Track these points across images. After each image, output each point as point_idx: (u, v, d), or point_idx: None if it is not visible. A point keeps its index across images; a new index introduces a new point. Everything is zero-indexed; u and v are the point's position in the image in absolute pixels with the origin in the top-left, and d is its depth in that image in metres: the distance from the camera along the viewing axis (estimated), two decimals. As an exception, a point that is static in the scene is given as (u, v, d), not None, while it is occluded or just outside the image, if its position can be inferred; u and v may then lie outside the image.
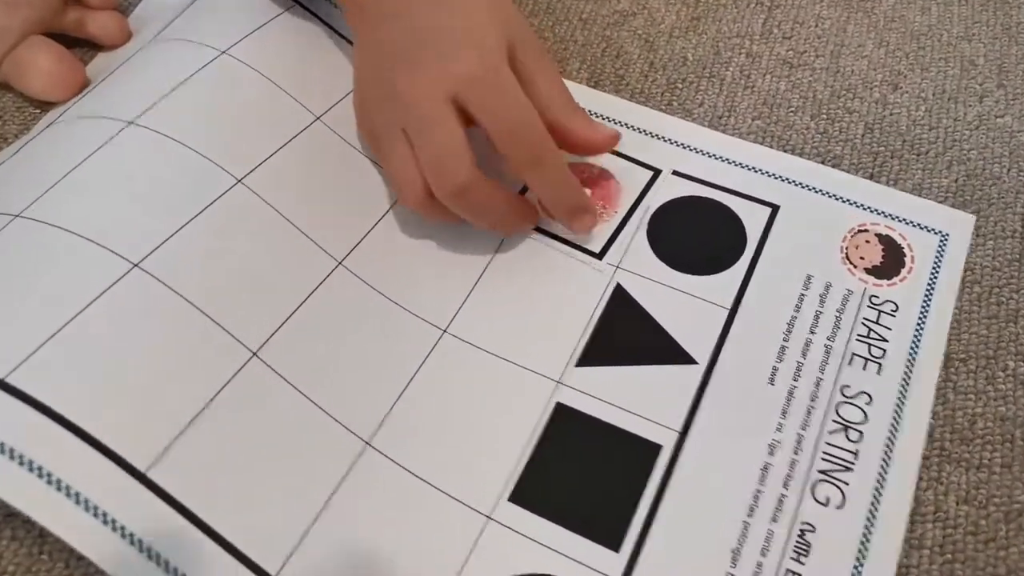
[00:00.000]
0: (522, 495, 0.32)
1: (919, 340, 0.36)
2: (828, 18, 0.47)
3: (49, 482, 0.28)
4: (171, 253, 0.33)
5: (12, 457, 0.28)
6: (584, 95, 0.43)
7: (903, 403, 0.34)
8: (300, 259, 0.36)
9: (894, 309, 0.37)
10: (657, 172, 0.41)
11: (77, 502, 0.28)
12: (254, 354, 0.33)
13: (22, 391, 0.29)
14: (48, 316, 0.30)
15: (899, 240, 0.39)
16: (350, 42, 0.43)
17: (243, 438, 0.31)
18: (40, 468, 0.28)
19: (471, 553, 0.31)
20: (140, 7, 0.47)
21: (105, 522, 0.28)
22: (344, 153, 0.40)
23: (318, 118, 0.40)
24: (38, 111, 0.42)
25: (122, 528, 0.28)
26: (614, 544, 0.31)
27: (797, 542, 0.31)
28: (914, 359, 0.35)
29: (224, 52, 0.39)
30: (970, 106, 0.43)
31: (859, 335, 0.36)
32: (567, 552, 0.31)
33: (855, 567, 0.31)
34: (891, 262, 0.38)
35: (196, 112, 0.37)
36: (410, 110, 0.34)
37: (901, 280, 0.38)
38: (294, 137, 0.38)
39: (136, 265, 0.32)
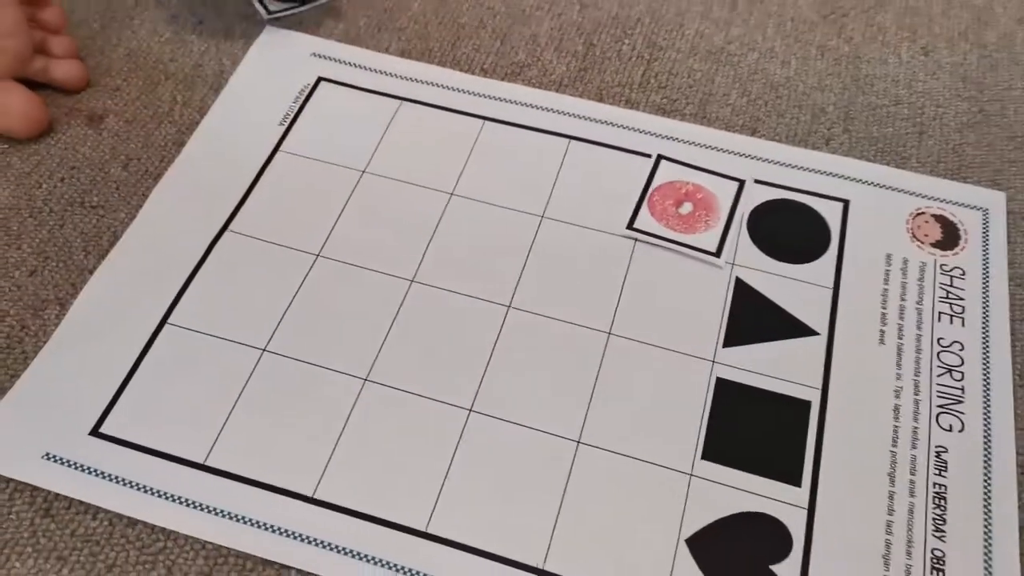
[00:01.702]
0: (712, 452, 0.39)
1: (988, 294, 0.44)
2: (699, 70, 0.54)
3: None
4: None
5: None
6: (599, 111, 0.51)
7: (988, 345, 0.42)
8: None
9: (962, 273, 0.45)
10: (741, 181, 0.49)
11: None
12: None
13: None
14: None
15: (951, 218, 0.47)
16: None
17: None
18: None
19: (685, 504, 0.37)
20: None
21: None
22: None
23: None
24: (7, 146, 0.48)
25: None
26: (795, 480, 0.38)
27: (935, 461, 0.39)
28: (988, 309, 0.44)
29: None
30: (817, 147, 0.51)
31: (940, 297, 0.44)
32: (759, 492, 0.38)
33: (984, 473, 0.38)
34: (949, 236, 0.47)
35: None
36: None
37: (961, 249, 0.46)
38: None
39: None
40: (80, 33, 0.53)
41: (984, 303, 0.44)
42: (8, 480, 0.37)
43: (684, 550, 0.36)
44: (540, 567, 0.36)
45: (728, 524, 0.37)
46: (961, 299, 0.44)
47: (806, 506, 0.38)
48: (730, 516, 0.37)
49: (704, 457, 0.39)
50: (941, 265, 0.45)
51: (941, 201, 0.48)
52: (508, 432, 0.39)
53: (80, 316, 0.43)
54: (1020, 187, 0.48)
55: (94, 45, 0.53)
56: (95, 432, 0.39)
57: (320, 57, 0.54)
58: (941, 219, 0.47)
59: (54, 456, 0.38)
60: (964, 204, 0.48)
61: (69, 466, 0.38)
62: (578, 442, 0.39)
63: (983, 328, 0.43)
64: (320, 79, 0.53)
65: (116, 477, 0.38)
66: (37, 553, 0.35)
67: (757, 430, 0.40)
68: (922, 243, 0.46)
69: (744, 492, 0.38)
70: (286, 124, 0.51)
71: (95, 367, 0.41)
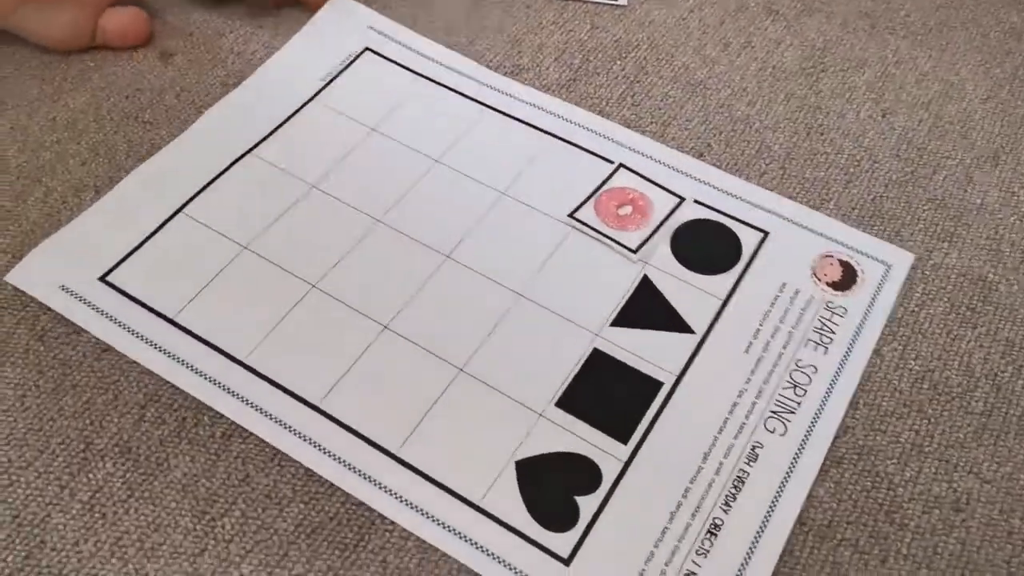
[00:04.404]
0: (564, 402, 0.47)
1: (858, 335, 0.50)
2: (672, 97, 0.61)
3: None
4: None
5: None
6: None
7: (838, 376, 0.48)
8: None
9: (844, 312, 0.51)
10: (682, 199, 0.56)
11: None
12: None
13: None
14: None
15: (855, 265, 0.53)
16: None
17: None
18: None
19: (527, 435, 0.45)
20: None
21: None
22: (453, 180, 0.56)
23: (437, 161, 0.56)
24: (92, 64, 0.59)
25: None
26: (624, 439, 0.46)
27: (748, 453, 0.45)
28: (852, 347, 0.49)
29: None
30: (751, 178, 0.57)
31: (815, 327, 0.50)
32: (590, 440, 0.45)
33: (786, 473, 0.45)
34: (847, 279, 0.52)
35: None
36: None
37: (852, 293, 0.52)
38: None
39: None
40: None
41: (851, 341, 0.50)
42: (24, 307, 0.49)
43: (511, 468, 0.44)
44: (395, 453, 0.45)
45: (554, 457, 0.45)
46: (832, 332, 0.50)
47: (625, 459, 0.45)
48: (558, 452, 0.45)
49: (557, 404, 0.47)
50: (828, 301, 0.51)
51: (851, 249, 0.54)
52: (409, 349, 0.48)
53: (111, 200, 0.54)
54: (926, 248, 0.53)
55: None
56: (102, 279, 0.50)
57: (373, 30, 0.65)
58: (845, 264, 0.53)
59: (67, 288, 0.50)
60: (871, 256, 0.53)
61: (75, 298, 0.49)
62: (460, 369, 0.48)
63: (841, 361, 0.49)
64: (366, 49, 0.63)
65: (106, 314, 0.49)
66: (25, 365, 0.47)
67: (610, 395, 0.47)
68: (819, 280, 0.52)
69: (577, 437, 0.46)
70: (326, 80, 0.61)
71: (114, 234, 0.52)
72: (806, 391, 0.48)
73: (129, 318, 0.49)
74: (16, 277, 0.50)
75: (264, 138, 0.58)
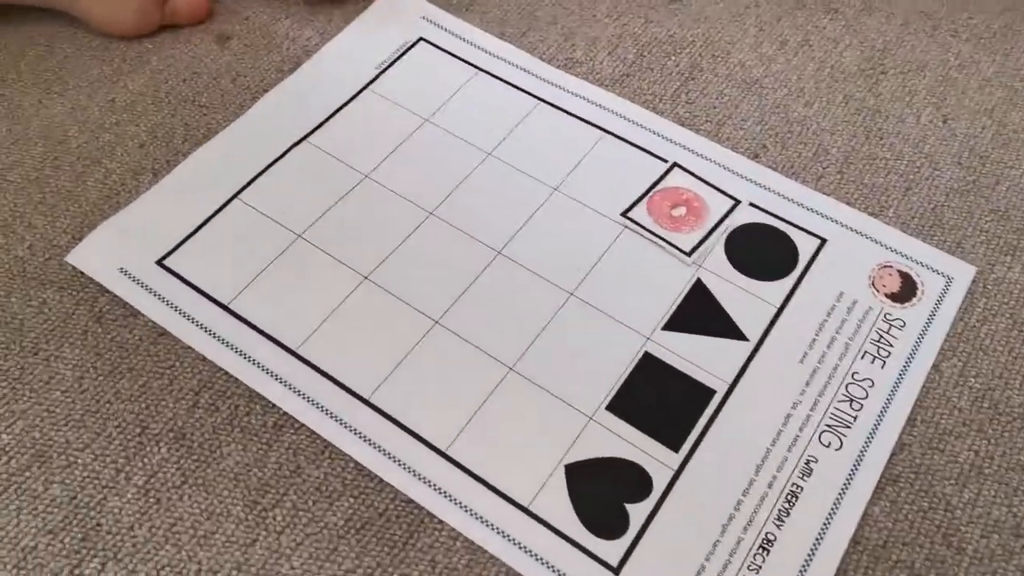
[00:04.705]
0: (615, 406, 0.46)
1: (917, 349, 0.49)
2: (728, 95, 0.60)
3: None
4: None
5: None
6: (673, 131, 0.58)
7: (895, 390, 0.48)
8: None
9: (902, 325, 0.50)
10: (738, 202, 0.55)
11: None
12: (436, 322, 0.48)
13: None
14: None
15: (915, 277, 0.52)
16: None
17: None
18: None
19: (577, 439, 0.45)
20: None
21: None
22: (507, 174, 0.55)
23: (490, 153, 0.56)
24: (151, 46, 0.59)
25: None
26: (676, 446, 0.45)
27: (802, 467, 0.45)
28: (910, 362, 0.49)
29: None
30: (807, 182, 0.56)
31: (872, 339, 0.49)
32: (641, 446, 0.45)
33: (841, 489, 0.44)
34: (906, 291, 0.51)
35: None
36: None
37: (912, 306, 0.51)
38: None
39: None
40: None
41: (910, 356, 0.49)
42: (83, 288, 0.49)
43: (560, 471, 0.44)
44: (444, 451, 0.45)
45: (604, 463, 0.45)
46: (891, 346, 0.49)
47: (676, 468, 0.45)
48: (608, 457, 0.45)
49: (608, 408, 0.46)
50: (886, 313, 0.50)
51: (910, 259, 0.53)
52: (460, 346, 0.48)
53: (169, 184, 0.54)
54: (988, 261, 0.52)
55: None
56: (159, 263, 0.51)
57: (427, 20, 0.64)
58: (904, 275, 0.52)
59: (125, 271, 0.50)
60: (932, 268, 0.52)
61: (133, 281, 0.50)
62: (511, 368, 0.48)
63: (899, 376, 0.48)
64: (420, 39, 0.63)
65: (162, 297, 0.49)
66: (84, 346, 0.47)
67: (661, 400, 0.47)
68: (877, 291, 0.51)
69: (628, 443, 0.45)
70: (380, 69, 0.61)
71: (171, 219, 0.53)
72: (862, 405, 0.47)
73: (184, 303, 0.49)
74: (76, 258, 0.51)
75: (318, 126, 0.58)
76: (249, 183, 0.54)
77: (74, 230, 0.52)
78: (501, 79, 0.61)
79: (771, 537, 0.43)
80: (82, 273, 0.50)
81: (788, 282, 0.52)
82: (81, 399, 0.46)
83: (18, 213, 0.52)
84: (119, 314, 0.49)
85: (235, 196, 0.54)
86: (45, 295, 0.49)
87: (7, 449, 0.44)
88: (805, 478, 0.45)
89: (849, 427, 0.46)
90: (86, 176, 0.54)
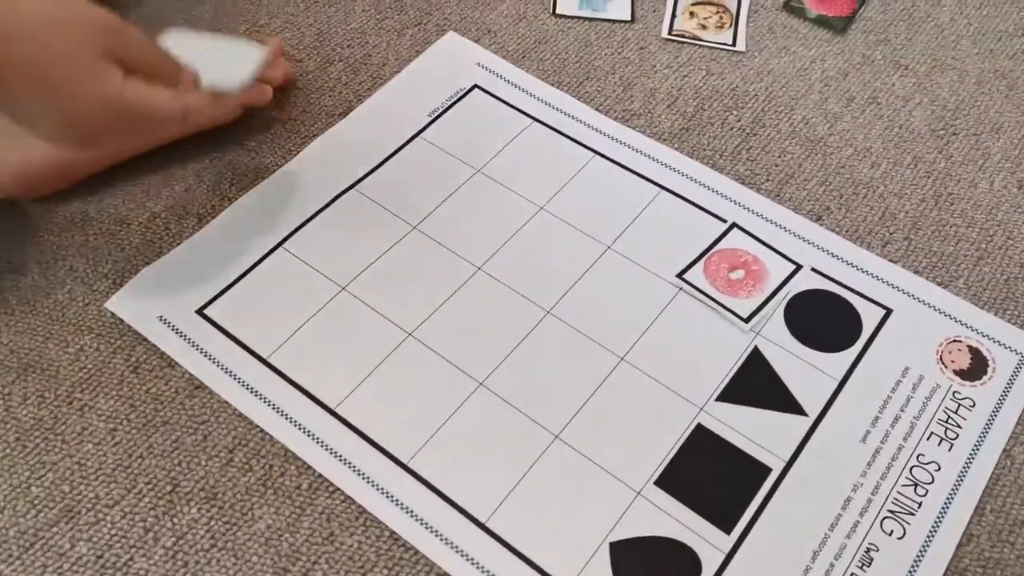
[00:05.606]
0: (665, 482, 0.44)
1: (988, 431, 0.46)
2: (791, 153, 0.57)
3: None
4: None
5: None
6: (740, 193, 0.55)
7: (964, 475, 0.45)
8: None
9: (972, 404, 0.47)
10: (799, 267, 0.53)
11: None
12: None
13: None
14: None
15: (985, 353, 0.49)
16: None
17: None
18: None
19: (623, 514, 0.43)
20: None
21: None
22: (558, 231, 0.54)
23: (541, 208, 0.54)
24: None
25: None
26: (728, 528, 0.43)
27: (862, 556, 0.42)
28: (980, 444, 0.46)
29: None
30: (873, 248, 0.53)
31: (939, 419, 0.47)
32: (691, 526, 0.43)
33: (905, 583, 0.41)
34: (976, 368, 0.49)
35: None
36: None
37: (982, 384, 0.48)
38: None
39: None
40: (287, 11, 0.65)
41: (980, 438, 0.46)
42: (121, 335, 0.49)
43: (604, 549, 0.42)
44: (484, 523, 0.43)
45: (651, 542, 0.42)
46: (959, 427, 0.46)
47: (727, 552, 0.42)
48: (656, 536, 0.42)
49: (657, 483, 0.44)
50: (955, 392, 0.48)
51: (981, 334, 0.50)
52: (504, 411, 0.46)
53: (212, 230, 0.53)
54: (1065, 343, 0.49)
55: (296, 22, 0.65)
56: (200, 311, 0.50)
57: (482, 67, 0.63)
58: (974, 351, 0.49)
59: (164, 319, 0.49)
60: (1003, 343, 0.49)
61: (172, 329, 0.49)
62: (556, 436, 0.45)
63: (968, 459, 0.45)
64: (475, 86, 0.62)
65: (201, 348, 0.48)
66: (119, 397, 0.46)
67: (713, 477, 0.44)
68: (945, 367, 0.49)
69: (677, 522, 0.43)
70: (433, 116, 0.60)
71: (214, 266, 0.52)
72: (927, 490, 0.44)
73: (223, 355, 0.48)
74: (116, 304, 0.50)
75: (368, 173, 0.57)
76: (295, 231, 0.53)
77: (115, 275, 0.51)
78: (556, 130, 0.59)
79: (829, 633, 0.40)
80: (121, 320, 0.49)
81: (851, 354, 0.49)
82: (113, 452, 0.44)
83: (60, 255, 0.52)
84: (156, 364, 0.48)
85: (279, 244, 0.53)
86: (83, 341, 0.48)
87: (36, 502, 0.43)
88: (865, 568, 0.42)
89: (913, 514, 0.43)
90: (130, 219, 0.54)
